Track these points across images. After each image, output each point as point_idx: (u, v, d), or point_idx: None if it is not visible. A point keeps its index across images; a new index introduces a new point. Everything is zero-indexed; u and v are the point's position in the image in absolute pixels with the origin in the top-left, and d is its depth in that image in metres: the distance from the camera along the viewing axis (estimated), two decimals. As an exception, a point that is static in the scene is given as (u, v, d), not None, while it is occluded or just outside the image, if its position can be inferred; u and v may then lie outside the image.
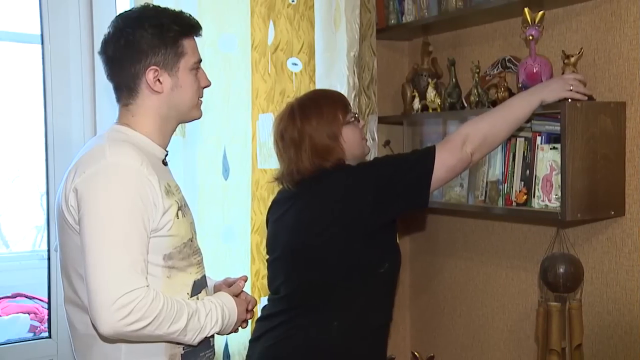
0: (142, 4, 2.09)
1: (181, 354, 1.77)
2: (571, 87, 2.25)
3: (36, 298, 2.96)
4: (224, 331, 1.83)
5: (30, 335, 2.84)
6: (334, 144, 2.21)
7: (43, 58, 2.58)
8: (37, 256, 3.02)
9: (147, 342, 1.70)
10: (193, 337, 1.72)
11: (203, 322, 1.73)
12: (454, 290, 3.13)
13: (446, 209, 2.99)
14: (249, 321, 1.99)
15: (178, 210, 1.75)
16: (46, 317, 2.79)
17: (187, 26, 1.80)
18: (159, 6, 1.83)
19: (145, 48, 1.74)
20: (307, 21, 2.90)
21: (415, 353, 2.55)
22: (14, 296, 2.98)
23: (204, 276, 1.87)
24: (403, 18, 3.07)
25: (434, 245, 3.23)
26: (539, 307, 2.49)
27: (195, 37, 1.84)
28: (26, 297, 2.98)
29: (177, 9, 1.87)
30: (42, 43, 2.57)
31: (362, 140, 2.31)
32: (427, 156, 2.14)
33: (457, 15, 2.81)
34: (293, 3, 2.87)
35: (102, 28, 2.57)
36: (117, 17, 1.82)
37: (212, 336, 1.86)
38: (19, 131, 2.90)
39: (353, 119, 2.28)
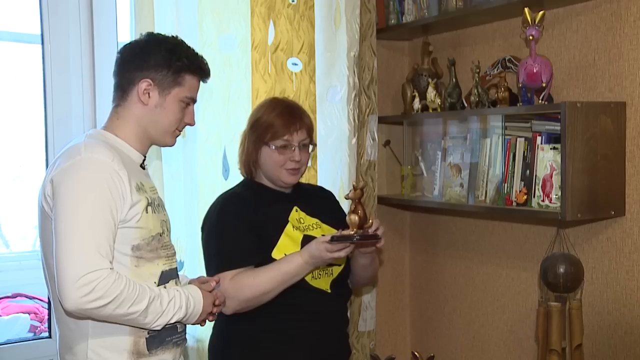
0: (152, 27, 2.23)
1: (146, 337, 1.86)
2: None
3: (36, 298, 2.96)
4: (188, 320, 1.92)
5: (30, 335, 2.84)
6: (253, 152, 2.31)
7: (43, 58, 2.58)
8: (37, 256, 3.01)
9: (110, 322, 1.80)
10: (153, 320, 1.81)
11: (165, 307, 1.83)
12: (454, 290, 3.13)
13: (446, 209, 2.99)
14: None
15: (147, 205, 1.88)
16: (46, 317, 2.79)
17: (197, 66, 1.95)
18: (185, 43, 1.98)
19: (151, 62, 1.90)
20: (307, 21, 2.90)
21: (415, 353, 2.55)
22: (14, 296, 2.98)
23: (174, 269, 1.98)
24: (403, 18, 3.07)
25: (434, 245, 3.23)
26: (539, 307, 2.50)
27: (200, 81, 1.98)
28: (26, 297, 2.98)
29: (179, 36, 2.01)
30: (42, 43, 2.57)
31: (280, 168, 2.27)
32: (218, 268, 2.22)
33: (457, 15, 2.81)
34: (293, 3, 2.87)
35: (102, 28, 2.60)
36: (148, 33, 2.02)
37: (182, 323, 1.95)
38: (19, 131, 2.90)
39: (276, 147, 2.26)
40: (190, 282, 2.08)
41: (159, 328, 1.84)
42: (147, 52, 1.90)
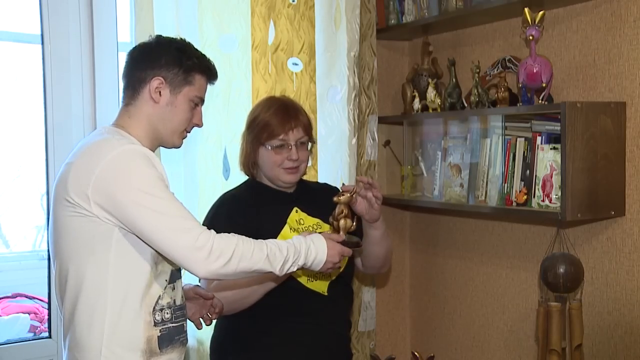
0: (152, 27, 2.22)
1: (158, 336, 1.88)
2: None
3: (36, 298, 2.97)
4: (312, 267, 1.97)
5: (30, 335, 2.84)
6: (251, 152, 2.30)
7: (43, 58, 2.58)
8: (37, 256, 3.02)
9: (244, 277, 1.94)
10: (278, 267, 1.87)
11: (286, 254, 1.89)
12: (454, 290, 3.13)
13: (446, 209, 2.99)
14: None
15: None
16: (46, 317, 2.79)
17: (206, 67, 1.98)
18: (194, 46, 2.00)
19: (162, 62, 1.92)
20: (308, 21, 2.90)
21: (415, 353, 2.54)
22: (14, 296, 2.98)
23: (179, 269, 1.99)
24: (403, 18, 3.07)
25: (434, 245, 3.23)
26: (539, 307, 2.50)
27: (208, 82, 2.01)
28: (26, 297, 2.98)
29: (180, 36, 2.05)
30: (42, 43, 2.57)
31: (277, 168, 2.26)
32: None
33: (457, 15, 2.81)
34: (293, 3, 2.87)
35: (102, 28, 2.60)
36: (157, 35, 2.04)
37: (186, 322, 1.99)
38: (19, 131, 2.90)
39: (272, 147, 2.25)
40: (185, 289, 2.07)
41: (281, 274, 1.90)
42: (158, 51, 1.93)
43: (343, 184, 2.17)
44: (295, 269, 1.93)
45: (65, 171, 1.85)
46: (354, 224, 2.12)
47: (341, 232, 2.09)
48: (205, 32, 2.70)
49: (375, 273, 2.52)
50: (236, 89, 2.76)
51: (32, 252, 2.96)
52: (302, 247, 1.93)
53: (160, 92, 1.91)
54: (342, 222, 2.10)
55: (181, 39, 2.02)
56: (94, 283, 1.82)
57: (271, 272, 1.88)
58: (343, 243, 2.06)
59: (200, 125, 2.02)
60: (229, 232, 2.17)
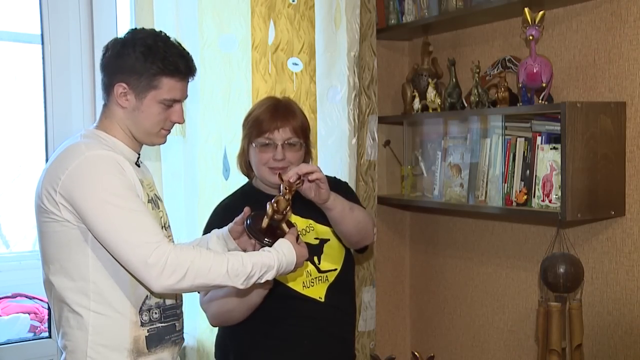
0: (152, 27, 2.09)
1: (146, 336, 1.87)
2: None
3: (36, 298, 2.97)
4: (283, 273, 1.92)
5: (30, 335, 2.84)
6: (243, 151, 2.31)
7: (43, 58, 2.58)
8: (37, 256, 3.01)
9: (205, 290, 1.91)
10: (241, 282, 1.81)
11: (250, 270, 1.81)
12: (454, 290, 3.13)
13: (446, 209, 2.99)
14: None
15: (148, 202, 1.89)
16: (46, 317, 2.79)
17: (173, 69, 1.86)
18: (166, 40, 1.89)
19: (125, 66, 1.84)
20: (308, 21, 2.90)
21: (415, 353, 2.54)
22: (14, 296, 2.98)
23: None
24: (403, 18, 3.07)
25: (434, 245, 3.23)
26: (539, 307, 2.50)
27: (185, 80, 1.91)
28: (26, 297, 2.98)
29: (179, 44, 1.91)
30: (42, 43, 2.57)
31: (263, 167, 2.22)
32: None
33: (457, 15, 2.81)
34: (293, 3, 2.87)
35: (102, 28, 2.60)
36: (130, 30, 1.94)
37: (180, 322, 1.98)
38: (19, 131, 2.90)
39: (257, 145, 2.22)
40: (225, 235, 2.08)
41: (243, 287, 1.82)
42: (122, 54, 1.84)
43: (279, 175, 2.04)
44: (263, 281, 1.87)
45: (41, 177, 1.85)
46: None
47: (284, 225, 2.01)
48: (205, 32, 2.70)
49: (358, 247, 2.40)
50: (236, 89, 2.76)
51: (32, 252, 2.95)
52: (273, 262, 1.85)
53: (126, 97, 1.85)
54: (289, 213, 2.02)
55: (154, 34, 1.89)
56: (76, 285, 1.82)
57: (233, 286, 1.81)
58: (253, 232, 2.02)
59: (180, 122, 1.94)
60: None
